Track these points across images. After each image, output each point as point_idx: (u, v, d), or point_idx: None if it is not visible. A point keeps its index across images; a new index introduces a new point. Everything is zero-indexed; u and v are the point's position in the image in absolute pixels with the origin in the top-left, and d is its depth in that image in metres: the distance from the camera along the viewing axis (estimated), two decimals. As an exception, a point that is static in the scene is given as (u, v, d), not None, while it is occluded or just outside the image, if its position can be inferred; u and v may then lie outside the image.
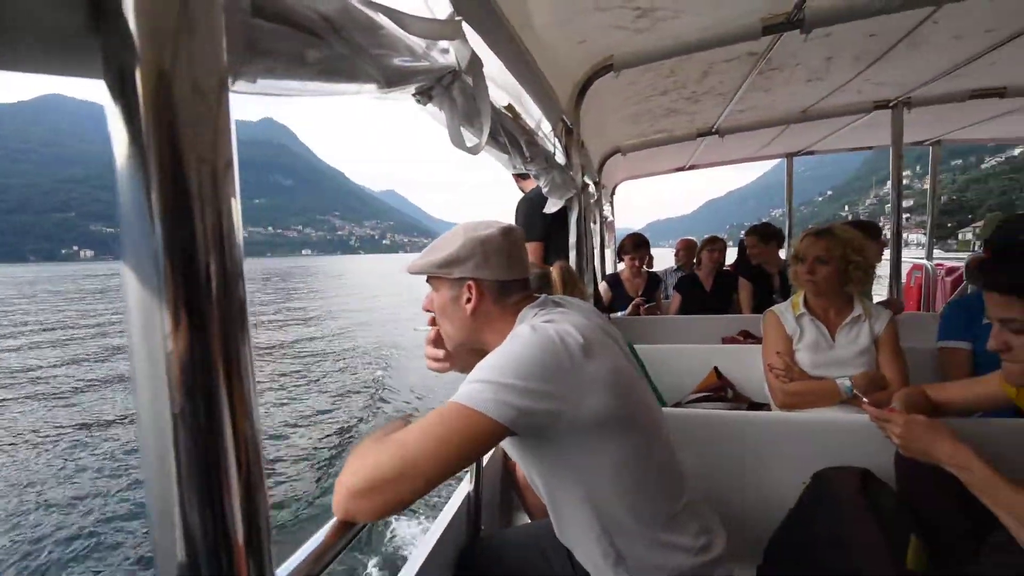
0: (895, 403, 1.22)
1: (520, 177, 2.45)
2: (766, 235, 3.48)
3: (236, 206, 0.38)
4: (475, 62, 0.85)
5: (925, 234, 5.11)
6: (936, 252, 5.00)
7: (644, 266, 3.56)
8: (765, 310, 2.00)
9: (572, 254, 2.09)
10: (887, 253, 3.25)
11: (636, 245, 3.43)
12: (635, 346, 2.27)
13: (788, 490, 1.29)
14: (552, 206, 2.01)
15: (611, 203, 5.25)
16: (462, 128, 0.98)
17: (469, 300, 0.97)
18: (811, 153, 4.70)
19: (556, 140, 1.93)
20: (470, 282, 0.97)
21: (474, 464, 1.36)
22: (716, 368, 2.11)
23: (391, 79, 0.67)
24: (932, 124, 3.95)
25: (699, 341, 2.95)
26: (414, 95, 0.82)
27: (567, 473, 0.89)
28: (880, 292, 3.76)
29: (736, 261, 4.08)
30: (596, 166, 3.73)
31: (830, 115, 3.29)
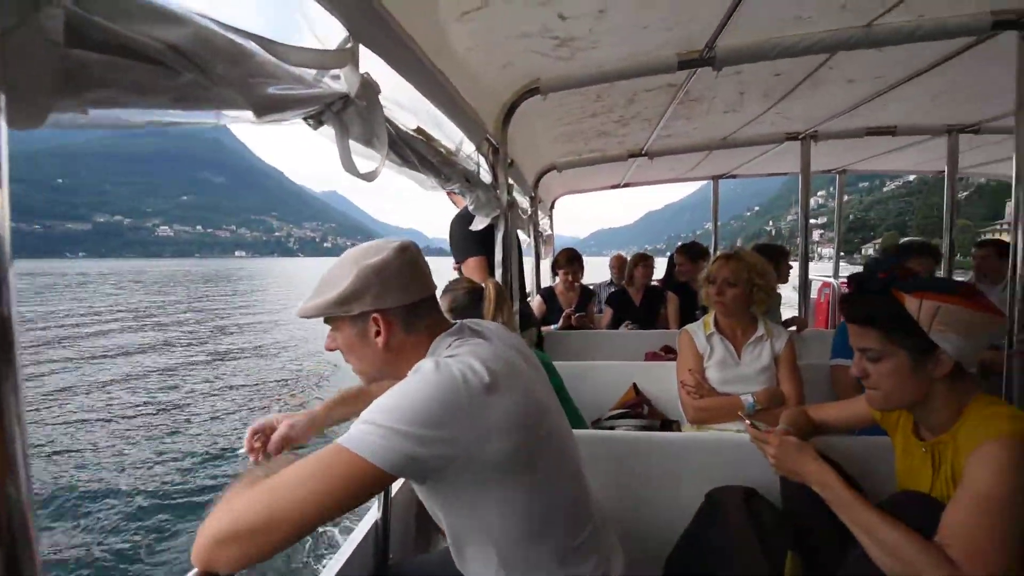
0: (780, 423, 1.31)
1: (454, 192, 2.45)
2: (694, 254, 3.68)
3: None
4: (368, 87, 0.83)
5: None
6: (844, 265, 5.47)
7: (577, 280, 3.65)
8: (681, 328, 2.10)
9: (498, 271, 2.10)
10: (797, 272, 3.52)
11: (569, 260, 3.52)
12: (562, 363, 2.31)
13: (688, 508, 1.35)
14: (478, 223, 2.02)
15: (549, 216, 5.35)
16: (364, 149, 0.95)
17: (378, 333, 0.92)
18: (734, 176, 5.02)
19: (482, 159, 1.94)
20: (375, 315, 0.92)
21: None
22: (635, 384, 2.19)
23: (265, 106, 0.64)
24: (838, 155, 4.33)
25: (626, 355, 3.05)
26: (305, 119, 0.79)
27: (466, 511, 0.87)
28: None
29: (665, 276, 4.27)
30: (532, 182, 3.79)
31: (748, 144, 3.52)
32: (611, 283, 4.39)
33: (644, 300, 3.65)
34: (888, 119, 3.24)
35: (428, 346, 0.94)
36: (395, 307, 0.93)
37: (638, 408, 2.06)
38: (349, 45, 0.80)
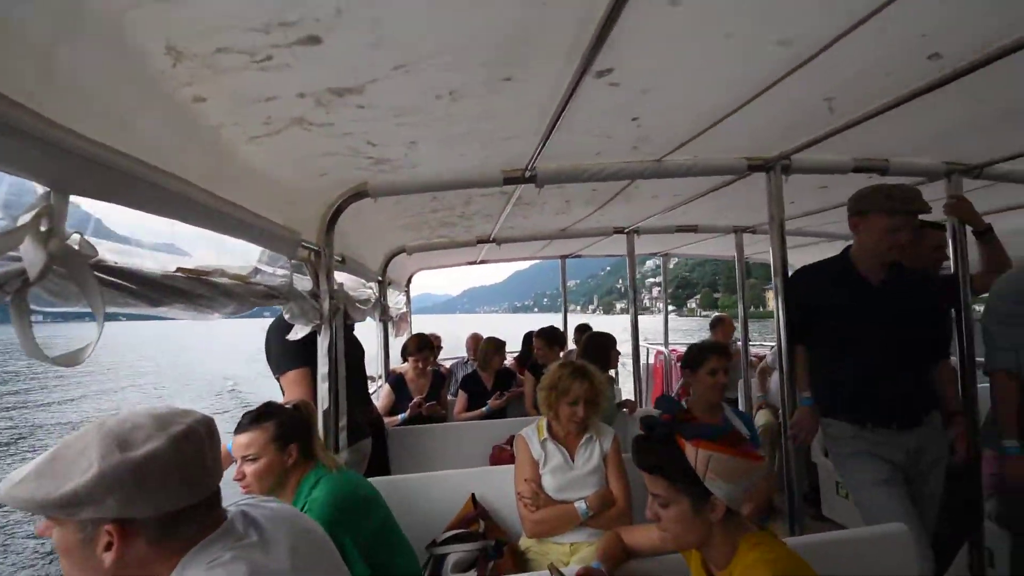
0: (594, 557, 1.32)
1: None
2: (551, 340, 3.81)
3: None
4: (68, 257, 0.65)
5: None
6: (673, 317, 6.20)
7: (429, 365, 3.53)
8: (516, 434, 2.09)
9: (323, 385, 1.90)
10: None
11: (419, 348, 3.40)
12: (395, 480, 2.14)
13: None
14: (297, 333, 1.82)
15: (407, 293, 5.23)
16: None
17: (109, 547, 0.69)
18: (579, 256, 5.46)
19: (303, 266, 1.78)
20: (109, 527, 0.69)
21: None
22: (473, 495, 2.09)
23: None
24: (660, 242, 4.98)
25: (475, 448, 2.97)
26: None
27: None
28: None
29: (521, 354, 4.36)
30: (382, 264, 3.67)
31: (583, 235, 3.87)
32: (468, 361, 4.35)
33: (497, 384, 3.65)
34: (691, 220, 3.82)
35: (178, 560, 0.73)
36: (146, 518, 0.71)
37: (474, 525, 1.95)
38: (44, 204, 0.63)
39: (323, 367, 1.88)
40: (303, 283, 1.84)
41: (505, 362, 3.93)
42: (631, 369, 4.02)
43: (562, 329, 5.14)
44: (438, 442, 3.07)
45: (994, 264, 2.14)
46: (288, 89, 1.06)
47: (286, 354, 1.93)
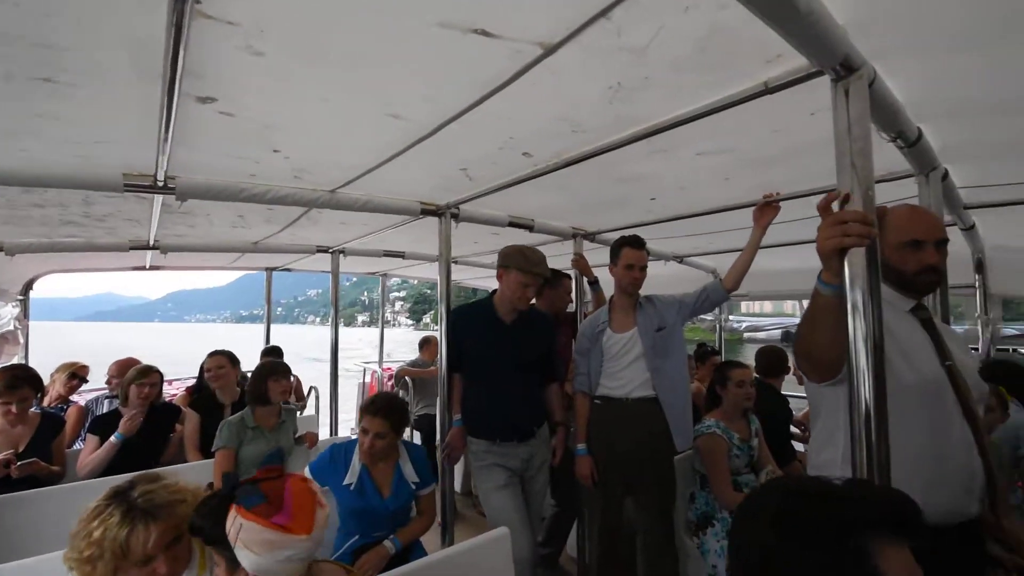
0: None
1: None
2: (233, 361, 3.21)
3: None
4: None
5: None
6: (412, 329, 6.29)
7: (28, 405, 2.59)
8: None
9: None
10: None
11: (11, 386, 2.47)
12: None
13: None
14: None
15: (22, 303, 3.82)
16: None
17: None
18: (288, 270, 5.03)
19: None
20: None
21: None
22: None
23: None
24: (374, 264, 5.01)
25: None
26: None
27: None
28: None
29: (196, 385, 3.64)
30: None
31: (284, 251, 3.57)
32: (112, 396, 3.41)
33: (148, 424, 2.91)
34: (399, 247, 3.97)
35: None
36: None
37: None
38: None
39: None
40: None
41: (172, 393, 3.24)
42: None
43: (267, 345, 4.62)
44: (40, 514, 2.28)
45: (597, 305, 2.87)
46: None
47: None
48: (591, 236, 3.08)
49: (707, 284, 2.34)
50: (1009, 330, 3.12)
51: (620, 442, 2.22)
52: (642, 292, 2.39)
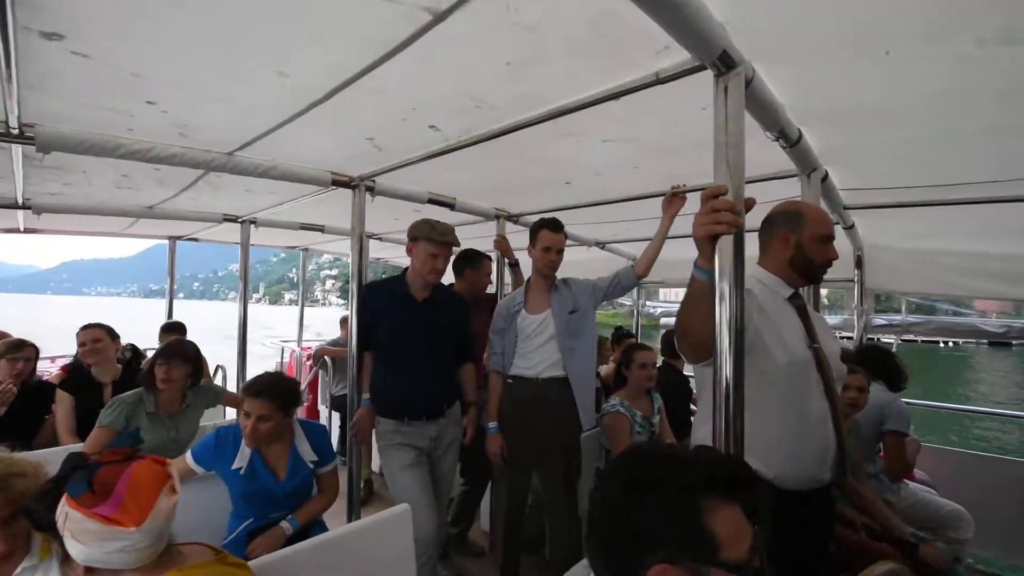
0: None
1: None
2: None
3: None
4: None
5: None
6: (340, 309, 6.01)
7: None
8: None
9: None
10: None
11: None
12: None
13: None
14: None
15: None
16: None
17: None
18: (194, 240, 4.65)
19: None
20: None
21: None
22: None
23: None
24: (294, 237, 4.74)
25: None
26: None
27: None
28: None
29: (72, 362, 3.25)
30: None
31: (186, 218, 3.29)
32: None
33: (19, 403, 2.60)
34: (312, 219, 3.78)
35: None
36: None
37: None
38: None
39: None
40: None
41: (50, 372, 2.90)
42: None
43: (169, 320, 4.24)
44: None
45: (518, 285, 2.90)
46: None
47: None
48: (514, 218, 3.09)
49: (619, 270, 2.43)
50: (879, 320, 3.50)
51: (530, 420, 2.27)
52: (570, 276, 2.44)
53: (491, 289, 3.10)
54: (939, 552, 2.05)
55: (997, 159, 1.85)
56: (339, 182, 2.22)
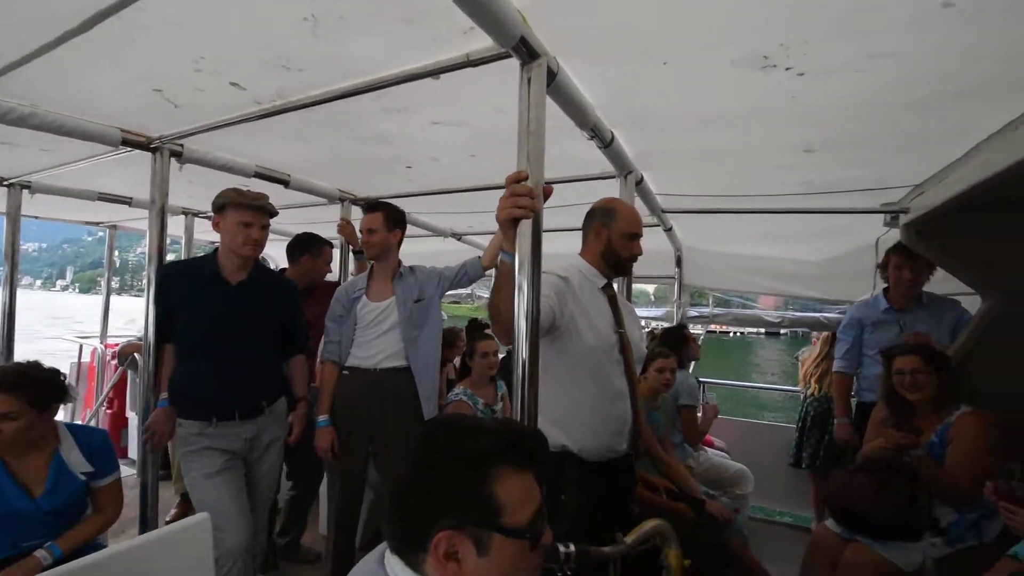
0: None
1: None
2: None
3: None
4: None
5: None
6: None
7: None
8: None
9: None
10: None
11: None
12: None
13: None
14: None
15: None
16: None
17: None
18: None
19: None
20: None
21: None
22: None
23: None
24: (94, 211, 3.95)
25: None
26: None
27: None
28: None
29: None
30: None
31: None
32: None
33: None
34: (114, 189, 3.19)
35: None
36: None
37: None
38: None
39: None
40: None
41: None
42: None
43: None
44: None
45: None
46: None
47: None
48: (361, 202, 2.93)
49: (467, 260, 2.43)
50: (692, 312, 4.05)
51: (366, 412, 2.17)
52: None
53: (333, 277, 2.91)
54: (723, 506, 2.42)
55: (772, 175, 2.23)
56: (132, 142, 1.88)
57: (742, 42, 1.10)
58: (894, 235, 2.39)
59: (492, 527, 0.66)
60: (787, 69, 1.18)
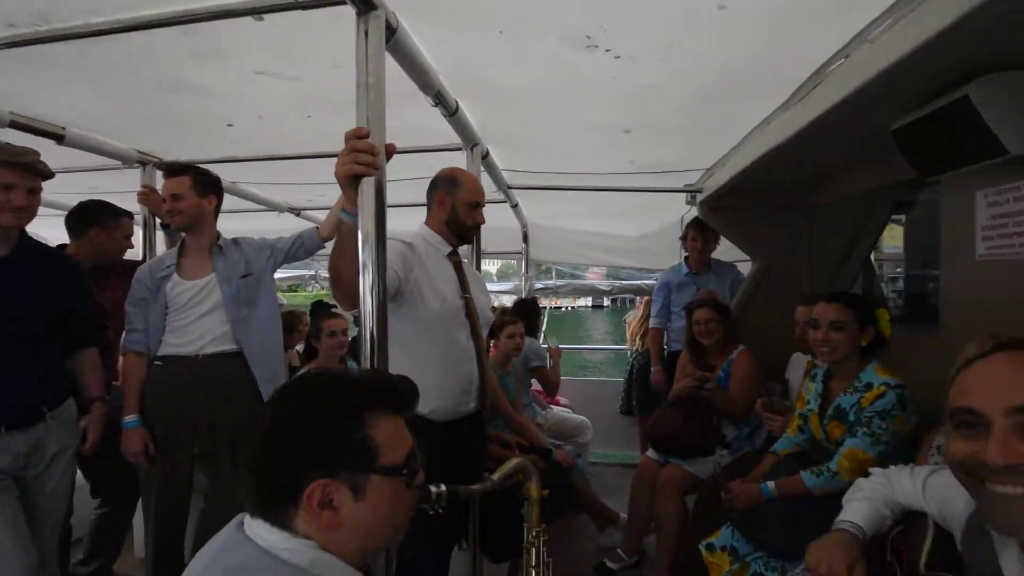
0: None
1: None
2: None
3: None
4: None
5: None
6: None
7: None
8: None
9: None
10: None
11: None
12: None
13: None
14: None
15: None
16: None
17: None
18: None
19: None
20: None
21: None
22: None
23: None
24: None
25: None
26: None
27: None
28: None
29: None
30: None
31: None
32: None
33: None
34: None
35: None
36: None
37: None
38: None
39: None
40: None
41: None
42: None
43: None
44: None
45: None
46: None
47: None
48: (167, 167, 2.49)
49: (303, 231, 2.24)
50: (539, 284, 4.36)
51: (188, 405, 1.89)
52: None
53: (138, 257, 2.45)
54: (567, 454, 2.70)
55: (600, 155, 2.48)
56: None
57: (568, 19, 1.20)
58: (694, 212, 2.89)
59: (368, 469, 0.66)
60: (607, 51, 1.31)
